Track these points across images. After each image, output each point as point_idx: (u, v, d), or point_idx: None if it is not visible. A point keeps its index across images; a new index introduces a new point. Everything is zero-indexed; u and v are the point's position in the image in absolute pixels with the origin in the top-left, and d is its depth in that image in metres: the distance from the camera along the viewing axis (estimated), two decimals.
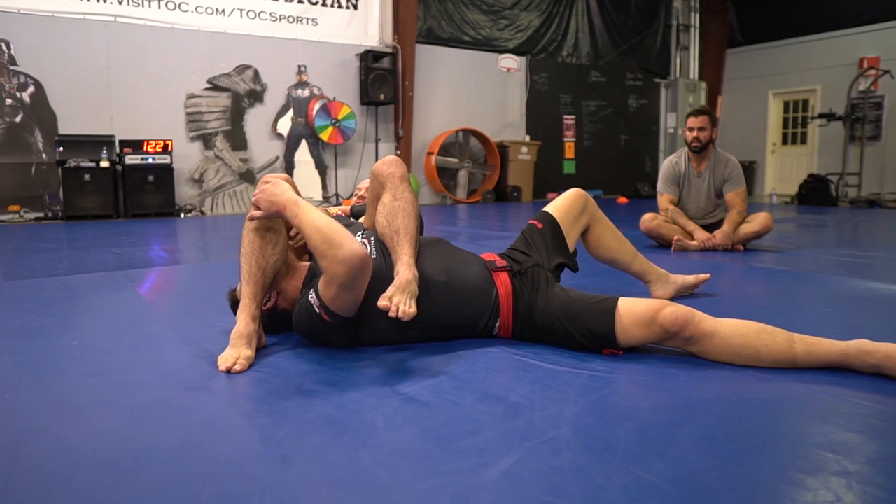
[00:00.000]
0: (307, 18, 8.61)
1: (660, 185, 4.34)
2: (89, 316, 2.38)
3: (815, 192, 8.74)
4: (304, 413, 1.35)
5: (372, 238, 1.93)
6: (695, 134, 4.11)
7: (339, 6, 8.83)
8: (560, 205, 2.21)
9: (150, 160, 7.29)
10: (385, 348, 1.82)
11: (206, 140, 8.02)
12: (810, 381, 1.53)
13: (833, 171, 10.01)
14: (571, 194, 2.24)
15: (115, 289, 2.90)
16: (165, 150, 7.40)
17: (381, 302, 1.64)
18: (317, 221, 1.67)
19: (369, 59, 8.69)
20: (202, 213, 7.83)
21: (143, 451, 1.17)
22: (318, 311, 1.70)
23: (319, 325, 1.73)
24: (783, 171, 11.64)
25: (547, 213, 2.18)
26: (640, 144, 12.30)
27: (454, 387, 1.50)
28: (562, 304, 1.82)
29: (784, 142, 11.75)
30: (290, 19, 8.49)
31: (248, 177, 8.27)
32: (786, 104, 11.71)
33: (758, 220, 4.05)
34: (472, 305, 1.87)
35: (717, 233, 4.01)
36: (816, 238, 4.96)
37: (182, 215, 7.51)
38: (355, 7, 8.97)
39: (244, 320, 1.76)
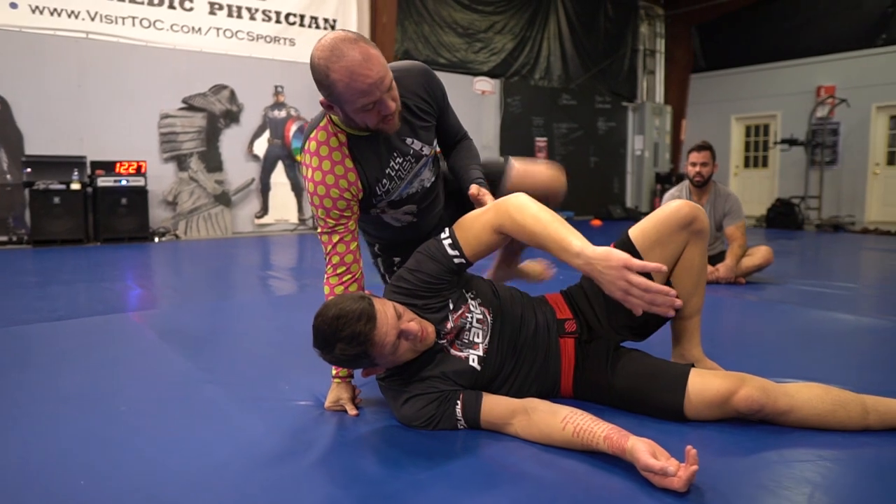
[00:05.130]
0: (284, 38, 8.50)
1: None
2: (119, 371, 2.25)
3: (781, 216, 9.03)
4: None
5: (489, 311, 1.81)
6: (697, 169, 4.18)
7: (317, 27, 8.75)
8: (647, 226, 1.88)
9: (124, 182, 7.03)
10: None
11: (181, 161, 7.79)
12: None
13: (793, 193, 10.39)
14: (669, 211, 1.86)
15: (130, 335, 2.76)
16: (139, 171, 7.15)
17: None
18: None
19: None
20: (177, 236, 7.59)
21: None
22: (458, 426, 1.69)
23: (439, 414, 1.68)
24: (745, 194, 12.00)
25: (629, 246, 1.86)
26: (608, 166, 12.52)
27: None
28: (624, 388, 1.78)
29: (746, 165, 12.14)
30: (268, 39, 8.35)
31: (224, 199, 8.06)
32: (748, 128, 12.11)
33: (759, 254, 4.15)
34: (539, 377, 1.83)
35: (721, 266, 4.08)
36: (807, 268, 5.10)
37: (156, 239, 7.26)
38: (332, 28, 8.88)
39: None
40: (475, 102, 10.45)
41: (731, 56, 12.09)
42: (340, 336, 1.52)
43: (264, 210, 8.50)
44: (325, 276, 1.85)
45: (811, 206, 9.90)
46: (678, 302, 1.51)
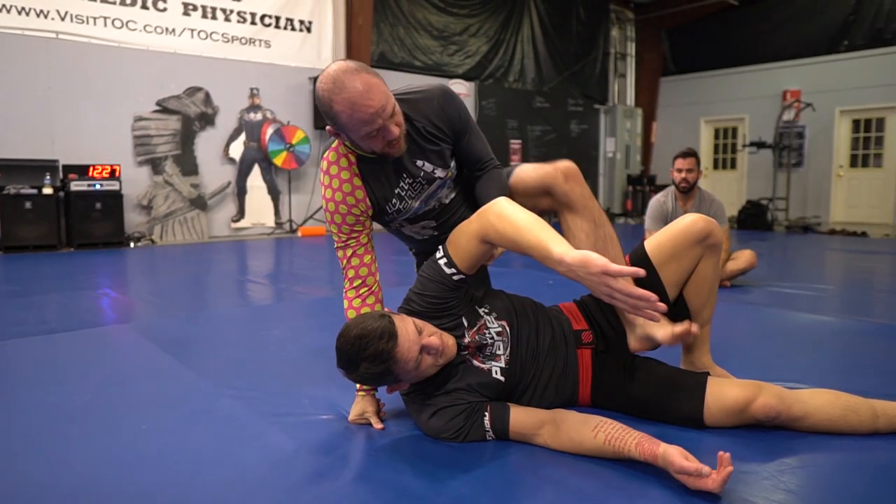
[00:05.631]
0: (260, 40, 8.40)
1: (647, 223, 4.47)
2: (130, 386, 2.20)
3: (752, 217, 9.25)
4: None
5: (508, 332, 1.82)
6: (683, 175, 4.27)
7: (293, 29, 8.67)
8: (662, 240, 1.91)
9: (98, 186, 6.88)
10: None
11: (155, 165, 7.65)
12: None
13: (761, 195, 10.66)
14: (684, 225, 1.90)
15: (131, 347, 2.71)
16: (113, 175, 7.00)
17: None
18: None
19: None
20: (152, 241, 7.45)
21: None
22: (487, 437, 1.71)
23: (468, 425, 1.70)
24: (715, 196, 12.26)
25: (644, 259, 1.89)
26: (581, 168, 12.00)
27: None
28: (642, 397, 1.81)
29: (715, 167, 12.41)
30: (243, 41, 8.25)
31: (199, 203, 7.93)
32: (716, 131, 12.39)
33: (743, 258, 4.26)
34: (558, 388, 1.85)
35: None
36: (786, 270, 5.24)
37: (132, 244, 7.12)
38: (308, 30, 8.82)
39: None
40: None
41: (700, 60, 12.34)
42: (364, 355, 1.54)
43: (241, 214, 8.40)
44: (344, 290, 1.87)
45: (779, 208, 10.18)
46: (661, 306, 1.48)
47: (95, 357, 2.56)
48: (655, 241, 1.94)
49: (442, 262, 1.74)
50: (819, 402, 1.74)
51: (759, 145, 10.44)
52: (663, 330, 1.72)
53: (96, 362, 2.49)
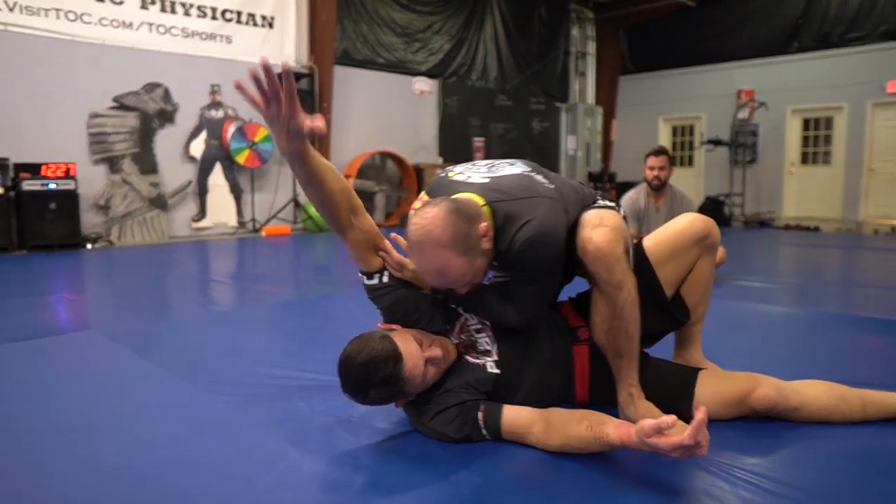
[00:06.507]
0: (221, 36, 8.21)
1: None
2: (117, 395, 2.12)
3: (711, 213, 9.46)
4: None
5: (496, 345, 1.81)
6: (655, 173, 4.34)
7: (255, 24, 8.50)
8: (661, 239, 1.92)
9: (52, 186, 6.61)
10: None
11: (113, 163, 7.39)
12: None
13: (718, 191, 10.94)
14: (684, 225, 1.91)
15: (107, 354, 2.60)
16: (68, 174, 6.74)
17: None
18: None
19: None
20: (110, 242, 7.20)
21: None
22: (483, 435, 1.70)
23: (468, 437, 1.69)
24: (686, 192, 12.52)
25: (643, 258, 1.88)
26: (543, 166, 12.47)
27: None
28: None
29: (673, 164, 12.63)
30: (203, 36, 8.04)
31: (159, 202, 7.71)
32: (674, 129, 12.65)
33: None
34: (550, 382, 1.85)
35: None
36: (751, 264, 5.38)
37: (89, 246, 6.87)
38: (271, 26, 8.66)
39: None
40: (414, 102, 10.43)
41: (658, 59, 12.58)
42: (372, 382, 1.53)
43: (202, 213, 8.19)
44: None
45: (735, 203, 10.46)
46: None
47: (70, 365, 2.46)
48: (654, 240, 1.95)
49: (364, 281, 1.79)
50: (813, 392, 1.79)
51: (716, 143, 10.71)
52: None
53: (72, 371, 2.38)
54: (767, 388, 1.74)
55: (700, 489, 1.41)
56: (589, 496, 1.39)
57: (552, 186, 1.75)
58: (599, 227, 1.64)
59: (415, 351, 1.59)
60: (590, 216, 1.69)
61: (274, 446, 1.66)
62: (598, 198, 1.88)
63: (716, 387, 1.77)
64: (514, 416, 1.70)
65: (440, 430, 1.69)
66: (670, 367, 1.91)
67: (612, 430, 1.48)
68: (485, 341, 1.81)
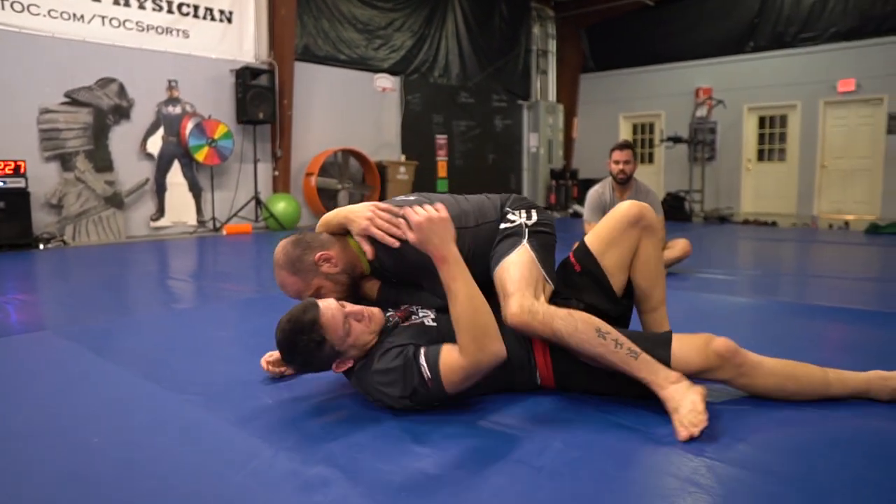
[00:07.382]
0: (178, 30, 7.99)
1: (586, 214, 4.56)
2: (75, 397, 2.02)
3: (673, 209, 9.64)
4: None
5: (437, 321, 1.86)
6: (621, 167, 4.37)
7: (213, 19, 8.30)
8: (599, 230, 2.02)
9: (0, 184, 6.35)
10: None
11: (65, 160, 7.14)
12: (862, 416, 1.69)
13: (678, 187, 11.12)
14: (618, 212, 2.01)
15: (65, 355, 2.49)
16: (17, 172, 6.49)
17: None
18: (476, 299, 1.61)
19: (247, 75, 8.24)
20: (64, 242, 6.95)
21: None
22: (426, 379, 1.64)
23: (415, 389, 1.66)
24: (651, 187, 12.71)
25: (586, 252, 1.99)
26: (505, 163, 12.81)
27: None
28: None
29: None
30: (159, 30, 7.82)
31: (115, 201, 7.47)
32: (635, 126, 12.83)
33: (678, 247, 4.40)
34: (509, 365, 1.80)
35: None
36: (713, 257, 5.47)
37: (41, 246, 6.62)
38: (229, 20, 8.48)
39: None
40: (376, 100, 10.34)
41: (617, 58, 12.73)
42: (297, 329, 1.65)
43: (160, 212, 7.98)
44: None
45: (695, 199, 10.65)
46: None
47: (22, 366, 2.34)
48: (594, 234, 2.03)
49: None
50: (772, 359, 1.82)
51: (676, 140, 10.89)
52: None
53: (25, 372, 2.27)
54: (724, 339, 1.77)
55: (683, 476, 1.40)
56: (574, 482, 1.37)
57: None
58: (504, 298, 1.77)
59: (333, 304, 1.71)
60: (497, 280, 1.85)
61: (244, 444, 1.60)
62: (508, 209, 2.05)
63: (683, 338, 1.79)
64: (454, 348, 1.67)
65: (383, 381, 1.69)
66: (648, 332, 2.02)
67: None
68: (423, 312, 1.90)
